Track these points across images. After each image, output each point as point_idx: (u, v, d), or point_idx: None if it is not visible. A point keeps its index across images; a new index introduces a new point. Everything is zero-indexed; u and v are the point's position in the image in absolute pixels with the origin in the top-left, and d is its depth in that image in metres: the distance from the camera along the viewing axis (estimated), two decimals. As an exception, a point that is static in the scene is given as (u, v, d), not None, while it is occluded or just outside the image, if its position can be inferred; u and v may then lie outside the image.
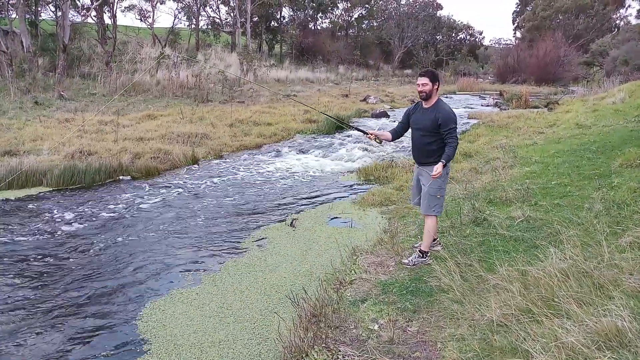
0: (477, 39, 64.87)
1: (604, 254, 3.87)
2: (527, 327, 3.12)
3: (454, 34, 61.41)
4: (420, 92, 4.53)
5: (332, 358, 3.21)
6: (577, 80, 38.40)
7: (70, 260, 5.24)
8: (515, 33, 64.40)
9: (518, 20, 62.09)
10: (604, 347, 2.72)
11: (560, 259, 3.87)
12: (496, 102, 25.12)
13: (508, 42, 63.41)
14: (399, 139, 4.96)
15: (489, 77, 48.94)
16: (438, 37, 58.96)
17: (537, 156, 8.93)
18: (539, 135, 12.19)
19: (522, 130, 13.19)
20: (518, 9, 63.23)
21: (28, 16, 22.14)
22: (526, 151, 9.74)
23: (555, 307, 3.26)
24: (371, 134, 4.83)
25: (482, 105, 24.28)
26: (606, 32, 49.49)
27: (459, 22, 62.00)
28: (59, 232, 6.05)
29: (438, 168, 4.34)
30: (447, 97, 28.96)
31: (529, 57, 41.14)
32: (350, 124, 6.28)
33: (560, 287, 3.43)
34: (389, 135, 4.85)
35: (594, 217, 5.11)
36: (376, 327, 3.58)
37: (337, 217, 6.78)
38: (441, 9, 60.18)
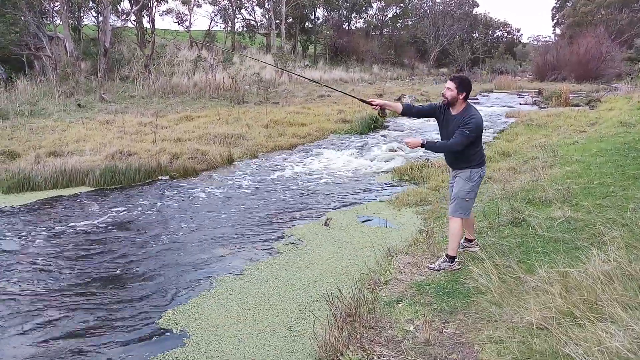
0: (514, 37, 63.53)
1: (651, 257, 3.73)
2: (568, 330, 3.03)
3: (490, 32, 60.33)
4: (442, 94, 4.34)
5: (367, 358, 3.19)
6: (620, 77, 37.02)
7: (111, 255, 5.40)
8: (554, 30, 62.74)
9: (558, 17, 60.40)
10: (650, 353, 2.62)
11: (603, 261, 3.73)
12: (535, 100, 24.48)
13: (547, 39, 61.70)
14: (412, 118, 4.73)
15: (527, 75, 47.75)
16: (474, 35, 57.99)
17: (578, 155, 8.66)
18: (580, 133, 11.82)
19: (562, 129, 12.82)
20: (558, 5, 61.48)
21: (71, 22, 22.86)
22: (567, 150, 9.46)
23: (599, 311, 3.15)
24: (376, 105, 4.54)
25: (520, 104, 23.69)
26: (652, 27, 47.56)
27: (496, 20, 60.97)
28: (100, 229, 6.25)
29: (413, 140, 4.30)
30: (484, 96, 28.44)
31: (569, 54, 39.87)
32: (345, 92, 6.03)
33: (604, 290, 3.31)
34: (400, 107, 4.58)
35: (640, 218, 4.93)
36: (412, 328, 3.54)
37: (371, 217, 6.75)
38: (477, 6, 59.26)
